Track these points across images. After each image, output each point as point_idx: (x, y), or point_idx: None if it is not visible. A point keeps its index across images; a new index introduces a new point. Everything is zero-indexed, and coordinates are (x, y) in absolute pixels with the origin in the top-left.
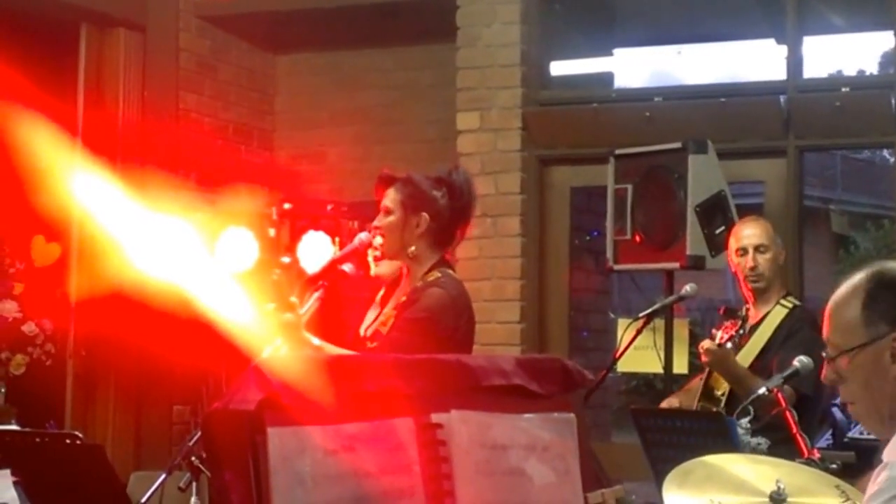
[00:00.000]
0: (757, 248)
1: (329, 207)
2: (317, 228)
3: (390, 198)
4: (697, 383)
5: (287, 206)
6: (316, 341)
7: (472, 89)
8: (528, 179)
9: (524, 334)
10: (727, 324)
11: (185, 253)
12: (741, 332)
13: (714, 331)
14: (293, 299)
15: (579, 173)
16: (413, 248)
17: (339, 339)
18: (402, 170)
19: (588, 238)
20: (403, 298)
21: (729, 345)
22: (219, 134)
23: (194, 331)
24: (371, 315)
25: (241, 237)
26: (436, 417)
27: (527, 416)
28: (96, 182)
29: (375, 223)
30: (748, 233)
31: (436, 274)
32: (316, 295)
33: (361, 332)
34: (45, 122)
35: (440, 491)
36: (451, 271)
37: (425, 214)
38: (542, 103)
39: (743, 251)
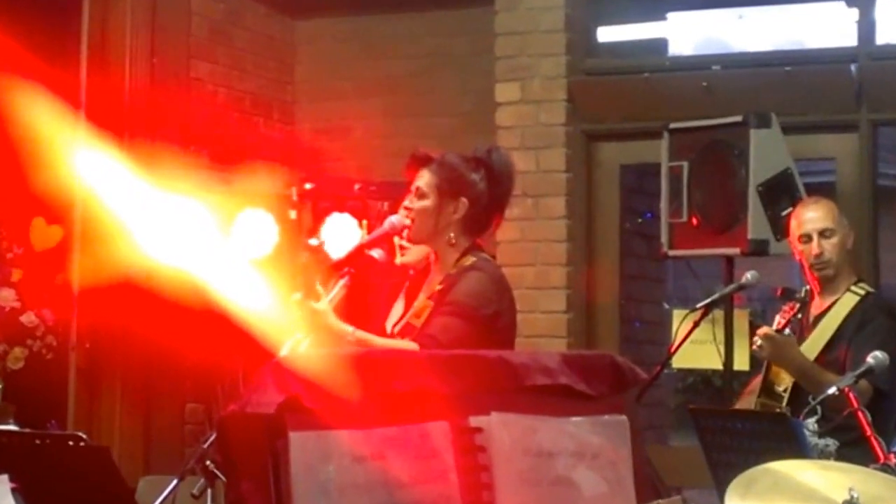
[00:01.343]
0: (822, 233)
1: (356, 187)
2: (342, 210)
3: (424, 180)
4: (758, 383)
5: (309, 185)
6: (354, 331)
7: (511, 57)
8: (573, 156)
9: (570, 325)
10: (786, 307)
11: (198, 237)
12: (799, 315)
13: (777, 317)
14: (318, 287)
15: (630, 149)
16: (451, 234)
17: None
18: (434, 146)
19: (640, 221)
20: (439, 287)
21: (788, 331)
22: (234, 106)
23: (208, 322)
24: (398, 309)
25: (258, 220)
26: (474, 421)
27: (575, 419)
28: (101, 159)
29: (406, 203)
30: (810, 216)
31: (471, 258)
32: (341, 283)
33: (388, 328)
34: (45, 93)
35: (479, 502)
36: (486, 255)
37: (464, 199)
38: (589, 72)
39: (806, 238)
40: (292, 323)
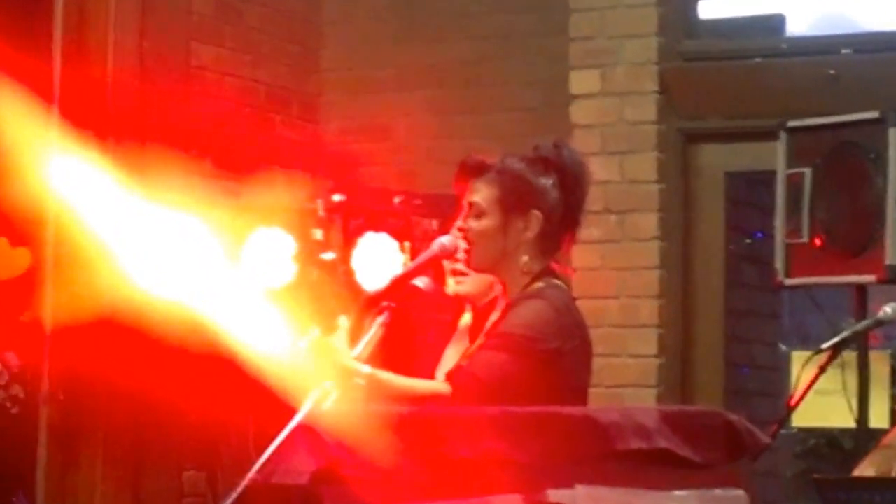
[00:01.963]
0: None
1: (396, 200)
2: (379, 229)
3: (482, 193)
4: None
5: (338, 198)
6: (370, 371)
7: (590, 39)
8: (667, 162)
9: (663, 373)
10: None
11: (200, 263)
12: None
13: None
14: (342, 320)
15: (738, 153)
16: (525, 257)
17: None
18: (493, 150)
19: (749, 242)
20: (494, 319)
21: None
22: (245, 100)
23: (212, 369)
24: (453, 354)
25: (275, 241)
26: (554, 495)
27: (678, 493)
28: (78, 166)
29: (461, 224)
30: None
31: (537, 285)
32: (379, 321)
33: (439, 374)
34: (8, 85)
35: None
36: (557, 281)
37: (536, 212)
38: (687, 58)
39: None
40: (314, 367)
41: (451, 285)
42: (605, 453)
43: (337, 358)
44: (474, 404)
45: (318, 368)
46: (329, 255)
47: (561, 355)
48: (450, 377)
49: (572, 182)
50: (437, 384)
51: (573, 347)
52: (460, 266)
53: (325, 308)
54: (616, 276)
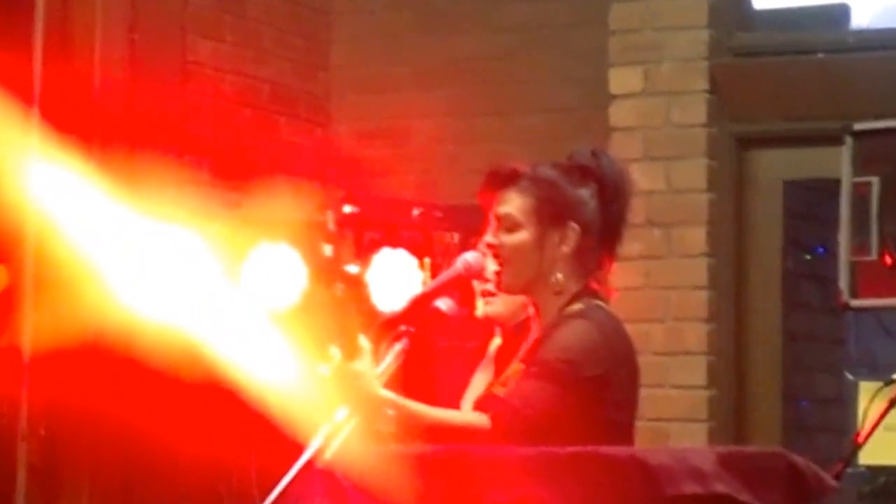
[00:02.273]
0: None
1: (415, 212)
2: (396, 244)
3: (514, 204)
4: None
5: (350, 209)
6: (399, 401)
7: (632, 31)
8: (717, 169)
9: (713, 406)
10: None
11: (196, 282)
12: None
13: None
14: (363, 341)
15: (797, 160)
16: (559, 275)
17: None
18: (523, 156)
19: (810, 258)
20: (532, 342)
21: None
22: (247, 100)
23: (209, 400)
24: (480, 382)
25: (280, 257)
26: None
27: None
28: (61, 174)
29: (491, 240)
30: None
31: (579, 305)
32: (396, 348)
33: (465, 405)
34: None
35: None
36: (599, 301)
37: (574, 225)
38: (741, 52)
39: None
40: (330, 394)
41: (481, 307)
42: (654, 499)
43: (364, 385)
44: (514, 440)
45: (342, 397)
46: (353, 268)
47: (607, 384)
48: (485, 408)
49: (612, 193)
50: (474, 417)
51: (620, 376)
52: (491, 287)
53: (346, 328)
54: (660, 297)
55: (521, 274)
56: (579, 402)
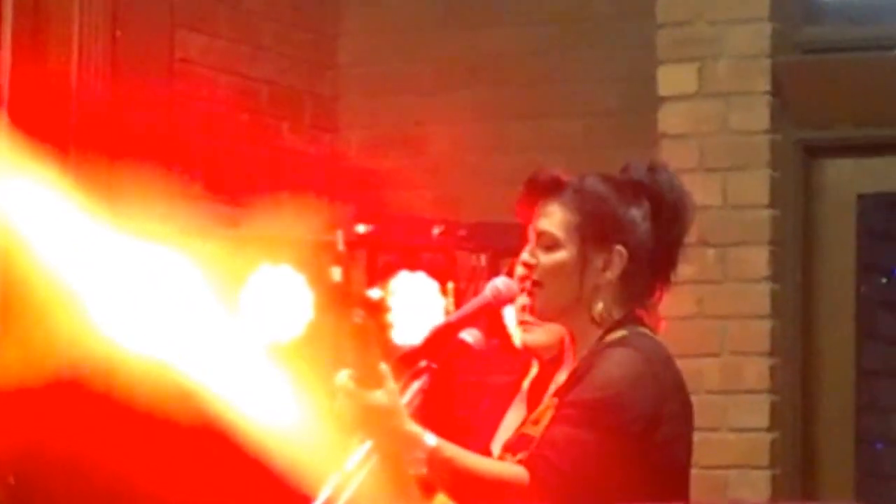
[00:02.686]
0: None
1: (436, 231)
2: (415, 268)
3: (555, 218)
4: None
5: (363, 228)
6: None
7: (684, 24)
8: (782, 181)
9: (777, 450)
10: None
11: (186, 311)
12: None
13: None
14: (382, 367)
15: (872, 171)
16: (600, 304)
17: None
18: (560, 165)
19: (887, 282)
20: (567, 375)
21: None
22: (244, 103)
23: (202, 445)
24: (513, 420)
25: (283, 282)
26: None
27: None
28: (33, 188)
29: (527, 258)
30: None
31: (621, 332)
32: (417, 385)
33: (496, 448)
34: None
35: None
36: (644, 329)
37: (620, 248)
38: (808, 48)
39: None
40: (344, 429)
41: (519, 335)
42: None
43: (394, 422)
44: (554, 499)
45: (367, 434)
46: (375, 293)
47: (657, 425)
48: (517, 451)
49: (670, 216)
50: (515, 469)
51: (672, 414)
52: (528, 316)
53: (365, 359)
54: (715, 328)
55: (556, 298)
56: (624, 449)
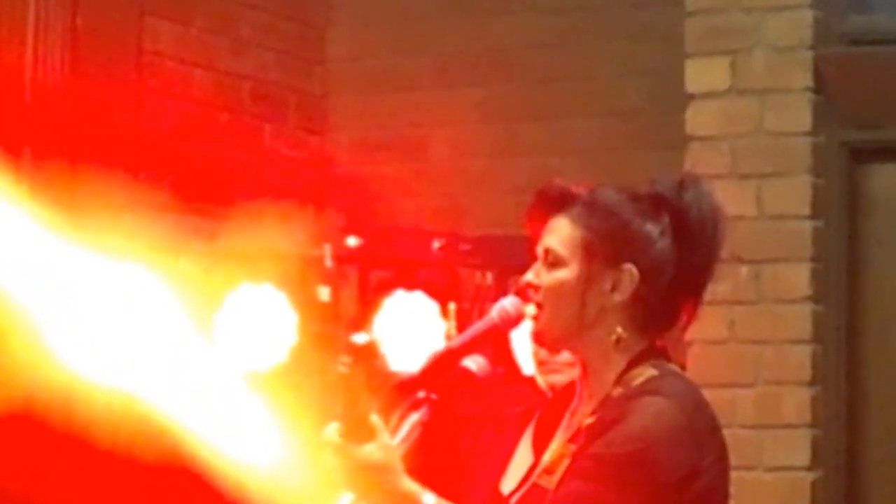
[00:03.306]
0: None
1: (436, 245)
2: (412, 286)
3: (560, 234)
4: None
5: (354, 241)
6: (434, 500)
7: (716, 12)
8: (826, 190)
9: (819, 492)
10: None
11: (156, 335)
12: None
13: None
14: (374, 419)
15: None
16: (618, 328)
17: (460, 498)
18: (575, 172)
19: None
20: (589, 421)
21: None
22: (222, 102)
23: (171, 485)
24: (522, 459)
25: (264, 303)
26: None
27: None
28: None
29: (530, 278)
30: None
31: (647, 371)
32: (414, 418)
33: (505, 489)
34: None
35: None
36: (673, 366)
37: (631, 268)
38: (854, 40)
39: None
40: (327, 482)
41: (542, 377)
42: None
43: (387, 479)
44: None
45: (356, 492)
46: (361, 338)
47: (692, 482)
48: None
49: (695, 233)
50: None
51: (709, 465)
52: (543, 353)
53: (352, 408)
54: (750, 354)
55: (556, 321)
56: None
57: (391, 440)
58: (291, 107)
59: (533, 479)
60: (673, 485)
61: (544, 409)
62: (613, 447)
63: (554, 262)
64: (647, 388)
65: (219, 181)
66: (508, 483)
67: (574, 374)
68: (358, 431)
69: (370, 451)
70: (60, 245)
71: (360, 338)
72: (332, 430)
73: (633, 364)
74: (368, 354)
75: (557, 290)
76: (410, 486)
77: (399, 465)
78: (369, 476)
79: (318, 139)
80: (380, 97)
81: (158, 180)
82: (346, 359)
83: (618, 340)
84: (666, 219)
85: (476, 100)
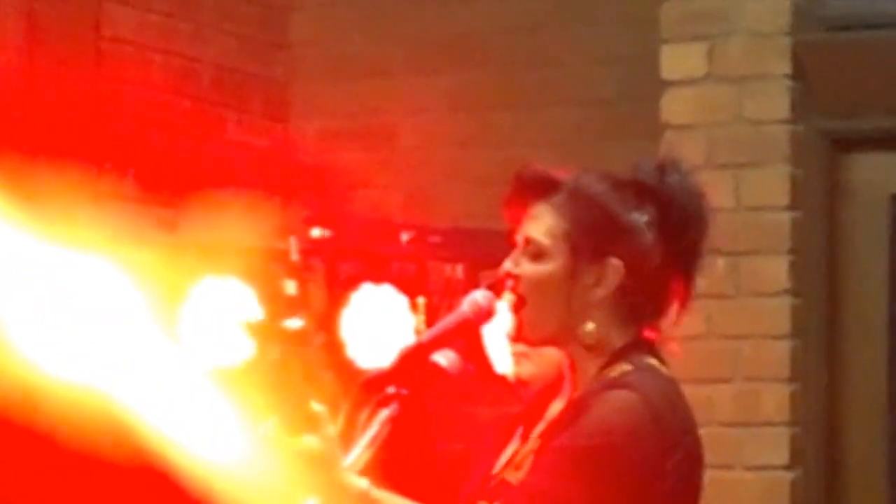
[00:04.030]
0: None
1: (404, 237)
2: (380, 279)
3: (542, 224)
4: None
5: (320, 232)
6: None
7: None
8: (804, 180)
9: (799, 491)
10: None
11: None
12: None
13: None
14: (316, 408)
15: None
16: (593, 325)
17: (430, 498)
18: (550, 160)
19: None
20: (555, 415)
21: None
22: (183, 89)
23: (136, 485)
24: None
25: (228, 297)
26: None
27: None
28: None
29: (509, 267)
30: None
31: (623, 367)
32: (383, 415)
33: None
34: None
35: None
36: (653, 361)
37: (615, 262)
38: (835, 25)
39: None
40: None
41: (512, 367)
42: None
43: (327, 472)
44: None
45: (292, 482)
46: (295, 323)
47: (657, 480)
48: (492, 500)
49: (680, 222)
50: None
51: (677, 463)
52: (520, 346)
53: (294, 401)
54: (727, 350)
55: (540, 317)
56: (618, 500)
57: (333, 430)
58: (254, 94)
59: (501, 475)
60: (636, 480)
61: (530, 407)
62: (575, 440)
63: (537, 253)
64: (616, 382)
65: (180, 171)
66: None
67: (542, 362)
68: (296, 422)
69: (308, 441)
70: (17, 237)
71: (293, 323)
72: (269, 423)
73: (613, 359)
74: (304, 340)
75: (542, 283)
76: (349, 478)
77: (339, 457)
78: (309, 468)
79: (281, 127)
80: (346, 84)
81: (118, 169)
82: (277, 348)
83: (596, 337)
84: (650, 208)
85: (446, 87)
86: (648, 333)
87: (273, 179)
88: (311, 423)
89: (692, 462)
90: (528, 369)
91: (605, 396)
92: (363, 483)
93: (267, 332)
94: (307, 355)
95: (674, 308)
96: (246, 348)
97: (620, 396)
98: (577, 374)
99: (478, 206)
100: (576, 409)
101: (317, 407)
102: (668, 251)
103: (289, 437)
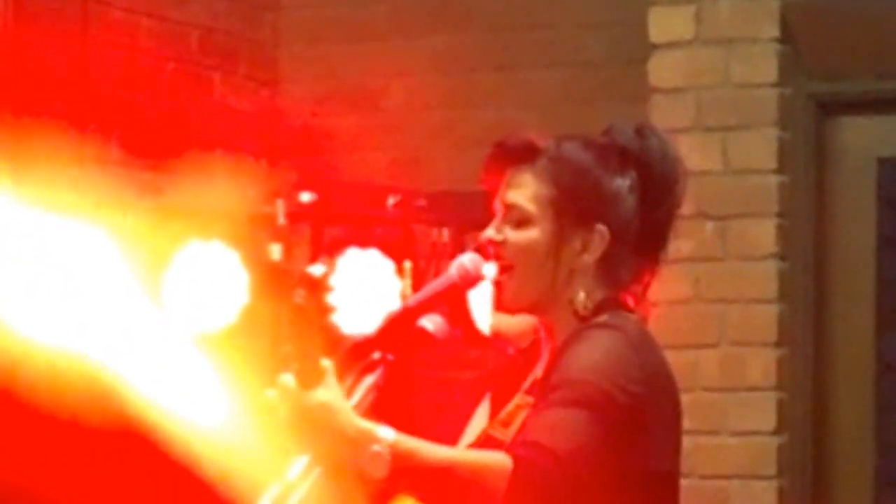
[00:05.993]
0: None
1: (391, 201)
2: (366, 244)
3: (527, 190)
4: None
5: (307, 196)
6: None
7: None
8: (792, 144)
9: (784, 456)
10: None
11: (102, 294)
12: None
13: None
14: (324, 363)
15: None
16: (581, 294)
17: None
18: (535, 124)
19: None
20: (543, 369)
21: None
22: (169, 51)
23: (120, 451)
24: (480, 420)
25: (214, 261)
26: None
27: None
28: None
29: (493, 235)
30: None
31: (602, 317)
32: (369, 380)
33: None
34: None
35: None
36: (626, 313)
37: (602, 227)
38: None
39: None
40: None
41: (489, 319)
42: None
43: (333, 418)
44: (546, 486)
45: (303, 439)
46: (317, 269)
47: (643, 420)
48: (509, 450)
49: (660, 187)
50: (496, 456)
51: (659, 408)
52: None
53: (304, 348)
54: (713, 313)
55: (527, 284)
56: (613, 441)
57: (340, 385)
58: (241, 57)
59: (486, 431)
60: (626, 418)
61: (502, 374)
62: (570, 374)
63: (522, 219)
64: (598, 325)
65: (166, 134)
66: (464, 444)
67: (519, 319)
68: (309, 375)
69: (318, 394)
70: (2, 201)
71: (316, 269)
72: (287, 377)
73: (592, 315)
74: (323, 287)
75: (528, 250)
76: (364, 423)
77: (348, 407)
78: (317, 419)
79: (269, 90)
80: (333, 46)
81: (104, 133)
82: (301, 291)
83: (582, 304)
84: (633, 173)
85: (433, 49)
86: (625, 296)
87: (260, 143)
88: (320, 376)
89: (674, 411)
90: (506, 322)
91: (585, 335)
92: (390, 433)
93: (288, 277)
94: (324, 302)
95: (648, 273)
96: (231, 314)
97: (600, 334)
98: (553, 339)
99: (465, 169)
100: (560, 355)
101: (325, 361)
102: (646, 216)
103: (302, 391)
